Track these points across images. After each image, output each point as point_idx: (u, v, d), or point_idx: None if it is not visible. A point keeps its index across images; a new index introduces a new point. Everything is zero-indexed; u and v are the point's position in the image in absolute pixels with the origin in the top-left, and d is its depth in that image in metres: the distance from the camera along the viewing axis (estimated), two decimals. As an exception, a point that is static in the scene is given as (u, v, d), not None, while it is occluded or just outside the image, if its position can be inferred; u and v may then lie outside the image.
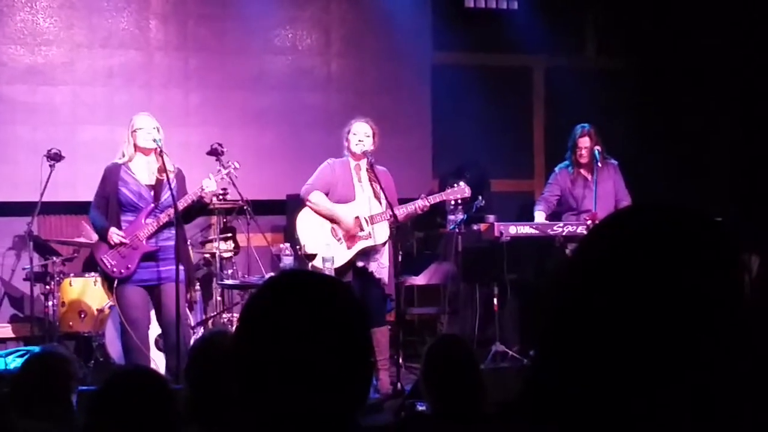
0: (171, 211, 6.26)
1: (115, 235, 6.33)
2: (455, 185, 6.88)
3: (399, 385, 6.46)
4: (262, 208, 8.10)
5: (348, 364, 1.55)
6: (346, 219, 6.68)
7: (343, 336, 1.56)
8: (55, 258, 7.64)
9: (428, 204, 6.76)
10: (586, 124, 7.83)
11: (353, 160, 6.81)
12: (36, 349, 5.42)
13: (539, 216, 7.86)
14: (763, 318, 1.12)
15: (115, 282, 6.37)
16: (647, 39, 9.66)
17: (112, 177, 6.42)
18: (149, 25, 8.71)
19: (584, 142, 7.77)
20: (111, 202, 6.42)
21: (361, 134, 6.74)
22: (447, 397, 3.46)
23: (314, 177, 6.82)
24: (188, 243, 6.94)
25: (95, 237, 7.38)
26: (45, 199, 7.25)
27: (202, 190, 6.38)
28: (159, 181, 6.41)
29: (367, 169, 6.76)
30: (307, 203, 6.78)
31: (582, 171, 7.86)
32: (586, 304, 1.10)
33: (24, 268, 7.67)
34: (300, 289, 1.59)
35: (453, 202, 6.99)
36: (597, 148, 7.73)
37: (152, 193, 6.43)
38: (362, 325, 1.62)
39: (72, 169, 7.83)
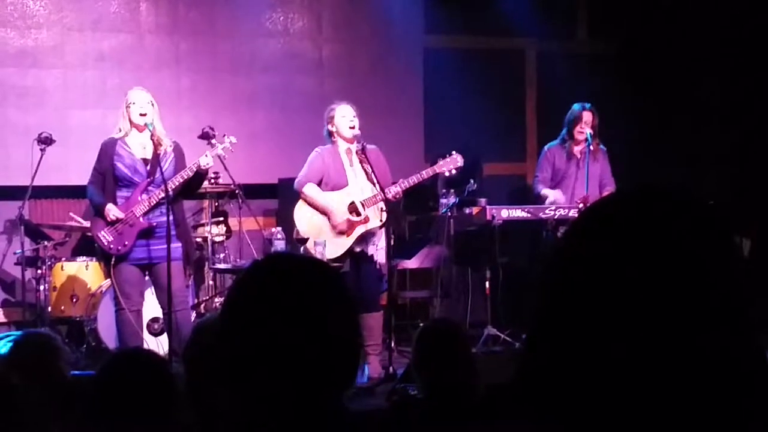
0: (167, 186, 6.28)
1: (111, 212, 6.35)
2: (448, 156, 6.84)
3: (391, 369, 6.47)
4: (253, 191, 8.10)
5: (333, 346, 1.55)
6: (336, 213, 6.65)
7: (328, 318, 1.56)
8: (46, 242, 7.62)
9: (429, 173, 6.74)
10: (586, 103, 7.82)
11: (344, 143, 6.77)
12: (19, 333, 5.42)
13: (549, 192, 7.81)
14: (756, 300, 1.12)
15: (113, 259, 6.39)
16: (639, 22, 9.64)
17: (108, 151, 6.46)
18: (140, 8, 8.67)
19: (587, 115, 7.75)
20: (107, 177, 6.45)
21: (350, 116, 6.72)
22: (439, 381, 3.46)
23: (305, 168, 6.79)
24: (187, 219, 6.95)
25: (86, 221, 7.39)
26: (36, 183, 7.22)
27: (199, 167, 6.39)
28: (155, 156, 6.41)
29: (357, 152, 6.73)
30: (301, 196, 6.77)
31: (574, 151, 7.86)
32: (579, 288, 1.10)
33: (15, 253, 7.65)
34: (285, 273, 1.60)
35: (448, 174, 6.91)
36: (589, 130, 7.74)
37: (148, 167, 6.44)
38: (347, 306, 1.62)
39: (63, 153, 7.80)
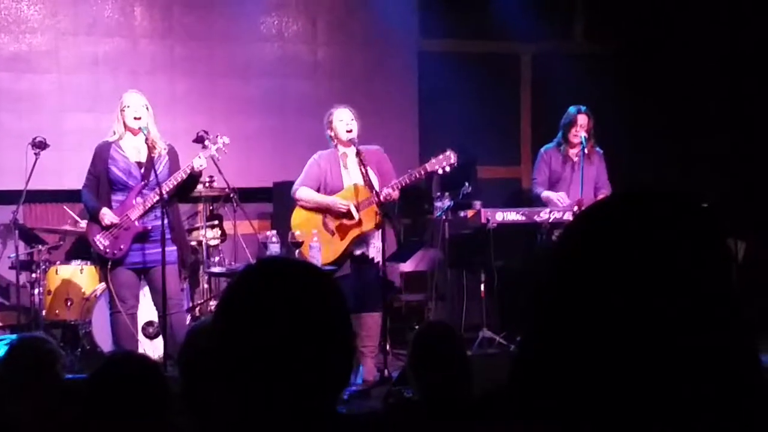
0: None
1: (107, 217, 6.34)
2: (441, 153, 6.74)
3: (386, 371, 6.46)
4: (248, 195, 8.11)
5: (326, 348, 1.55)
6: (337, 201, 6.64)
7: (320, 321, 1.56)
8: (40, 246, 7.60)
9: (422, 172, 6.69)
10: (581, 106, 7.82)
11: (342, 147, 6.76)
12: (14, 336, 5.42)
13: (552, 194, 7.81)
14: (752, 301, 1.13)
15: (109, 263, 6.39)
16: (635, 24, 9.65)
17: (102, 155, 6.45)
18: (134, 12, 8.67)
19: (582, 119, 7.76)
20: (101, 180, 6.45)
21: (348, 120, 6.70)
22: (434, 383, 3.46)
23: (302, 175, 6.79)
24: (182, 222, 6.94)
25: (80, 225, 7.39)
26: (30, 187, 7.22)
27: (192, 168, 6.39)
28: (149, 159, 6.41)
29: (356, 155, 6.68)
30: (297, 203, 6.77)
31: (570, 154, 7.87)
32: (574, 291, 1.10)
33: (9, 257, 7.64)
34: (277, 276, 1.60)
35: (441, 171, 6.79)
36: (584, 133, 7.74)
37: (142, 171, 6.44)
38: (340, 309, 1.62)
39: (57, 157, 7.80)
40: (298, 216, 6.77)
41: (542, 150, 8.06)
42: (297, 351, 1.52)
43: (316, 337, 1.54)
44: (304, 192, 6.72)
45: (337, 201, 6.65)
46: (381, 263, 6.64)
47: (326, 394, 1.58)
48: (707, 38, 9.17)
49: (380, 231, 6.62)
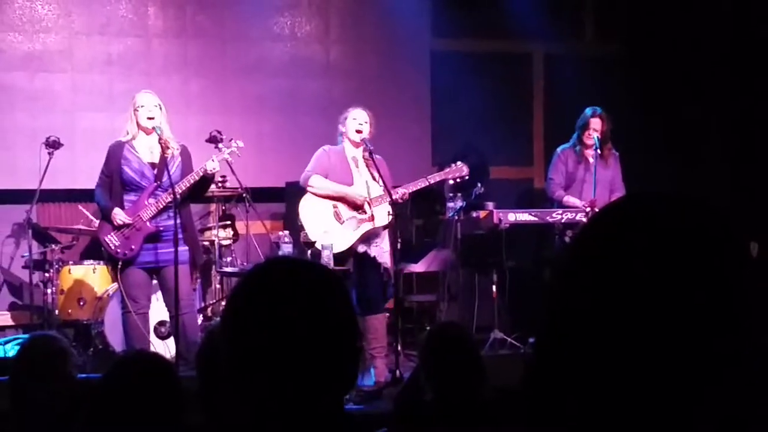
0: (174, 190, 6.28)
1: (119, 217, 6.35)
2: (453, 165, 6.85)
3: (398, 372, 6.46)
4: (261, 195, 8.12)
5: (333, 349, 1.55)
6: (352, 191, 6.66)
7: (328, 321, 1.56)
8: (54, 246, 7.63)
9: (432, 181, 6.75)
10: (597, 108, 7.79)
11: (351, 146, 6.78)
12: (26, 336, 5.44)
13: (568, 198, 7.79)
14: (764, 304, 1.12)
15: (119, 263, 6.40)
16: (646, 24, 9.63)
17: (115, 155, 6.45)
18: (148, 11, 8.69)
19: (596, 123, 7.72)
20: (114, 180, 6.45)
21: (360, 120, 6.73)
22: (447, 383, 3.46)
23: (311, 164, 6.79)
24: (194, 223, 6.94)
25: (94, 224, 7.41)
26: (44, 186, 7.24)
27: (206, 171, 6.39)
28: (162, 160, 6.41)
29: (364, 157, 6.74)
30: (309, 189, 6.74)
31: (586, 155, 7.83)
32: (589, 292, 1.10)
33: (23, 256, 7.67)
34: (285, 276, 1.60)
35: (452, 182, 6.90)
36: (596, 134, 7.70)
37: (155, 171, 6.44)
38: (348, 310, 1.62)
39: (71, 157, 7.83)
40: (306, 203, 6.76)
41: (558, 150, 8.01)
42: (303, 351, 1.52)
43: (323, 338, 1.55)
44: (317, 180, 6.72)
45: (355, 192, 6.66)
46: (388, 264, 6.67)
47: (333, 394, 1.58)
48: (718, 38, 9.14)
49: (387, 231, 6.66)
